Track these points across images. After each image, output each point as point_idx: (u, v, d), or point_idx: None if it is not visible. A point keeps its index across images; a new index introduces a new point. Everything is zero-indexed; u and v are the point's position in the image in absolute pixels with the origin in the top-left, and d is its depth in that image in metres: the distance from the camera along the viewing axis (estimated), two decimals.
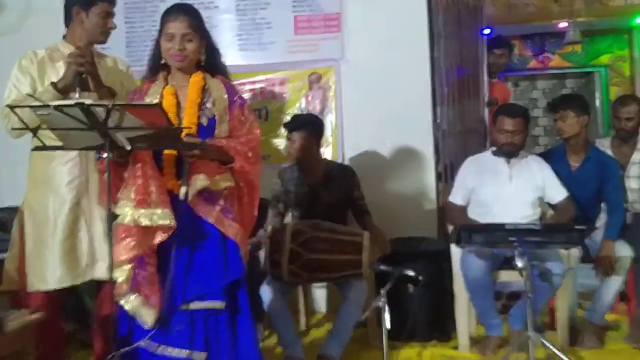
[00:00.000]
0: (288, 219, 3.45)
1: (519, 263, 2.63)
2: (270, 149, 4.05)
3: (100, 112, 1.95)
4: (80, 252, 2.52)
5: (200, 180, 2.22)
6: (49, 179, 2.54)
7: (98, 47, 2.73)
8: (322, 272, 3.02)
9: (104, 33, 2.63)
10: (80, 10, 2.59)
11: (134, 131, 2.02)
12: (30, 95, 2.33)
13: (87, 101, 1.95)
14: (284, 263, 2.93)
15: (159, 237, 2.19)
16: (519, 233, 2.70)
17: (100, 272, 2.51)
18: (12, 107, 2.03)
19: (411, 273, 3.06)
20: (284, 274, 2.95)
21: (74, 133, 2.03)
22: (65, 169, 2.53)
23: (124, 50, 4.17)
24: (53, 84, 2.46)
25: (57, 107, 1.94)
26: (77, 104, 1.93)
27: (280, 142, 4.06)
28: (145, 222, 2.15)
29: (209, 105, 2.33)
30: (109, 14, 2.62)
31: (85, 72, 2.43)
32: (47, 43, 2.79)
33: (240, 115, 2.35)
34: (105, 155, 2.03)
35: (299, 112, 4.00)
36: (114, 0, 2.67)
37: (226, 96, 2.35)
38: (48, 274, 2.49)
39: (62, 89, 2.44)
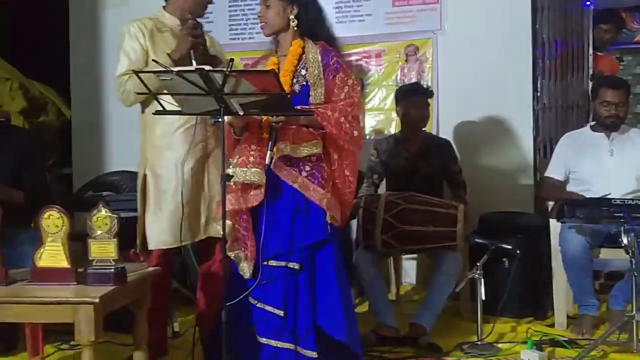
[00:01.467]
0: (381, 190, 3.50)
1: (625, 240, 2.56)
2: (363, 121, 4.10)
3: (218, 78, 2.05)
4: (199, 212, 2.66)
5: (280, 148, 2.31)
6: (171, 143, 2.65)
7: None
8: (416, 244, 3.06)
9: (204, 5, 2.71)
10: None
11: (247, 97, 2.11)
12: (135, 72, 2.41)
13: (207, 67, 2.06)
14: (377, 233, 2.98)
15: (252, 194, 2.32)
16: (626, 208, 2.62)
17: (214, 230, 2.63)
18: (137, 72, 2.17)
19: (508, 247, 3.05)
20: (377, 244, 3.01)
21: (192, 98, 2.15)
22: (186, 134, 2.63)
23: (227, 26, 4.30)
24: (168, 55, 2.58)
25: (178, 73, 2.05)
26: (197, 70, 2.04)
27: (374, 114, 4.10)
28: (239, 179, 2.29)
29: (302, 72, 2.38)
30: None
31: (201, 45, 2.54)
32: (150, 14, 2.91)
33: (335, 79, 2.37)
34: (220, 119, 2.14)
35: (394, 84, 4.02)
36: None
37: (320, 61, 2.37)
38: (170, 232, 2.64)
39: (177, 61, 2.51)
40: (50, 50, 4.84)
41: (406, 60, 4.06)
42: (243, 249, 2.34)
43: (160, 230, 2.66)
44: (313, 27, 2.44)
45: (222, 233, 2.16)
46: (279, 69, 2.40)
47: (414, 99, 3.36)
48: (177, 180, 2.62)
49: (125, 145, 4.33)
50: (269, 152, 2.31)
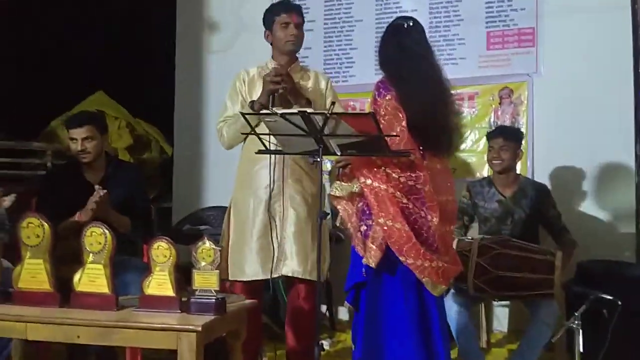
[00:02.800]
0: (472, 232, 3.45)
1: None
2: (455, 163, 4.08)
3: (319, 119, 2.14)
4: (271, 249, 2.75)
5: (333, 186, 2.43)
6: (251, 181, 2.82)
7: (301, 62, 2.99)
8: (510, 290, 2.98)
9: (288, 42, 2.83)
10: (268, 31, 2.88)
11: (346, 138, 2.19)
12: (242, 114, 2.58)
13: (309, 110, 2.16)
14: (470, 277, 2.94)
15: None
16: None
17: (288, 269, 2.74)
18: (244, 115, 2.31)
19: (609, 297, 2.91)
20: (469, 288, 2.96)
21: (293, 138, 2.26)
22: (264, 172, 2.78)
23: (322, 68, 4.46)
24: (251, 103, 2.76)
25: (282, 115, 2.17)
26: (299, 112, 2.15)
27: (466, 156, 4.08)
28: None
29: None
30: (288, 24, 2.82)
31: (281, 89, 2.67)
32: (256, 59, 3.10)
33: None
34: (319, 159, 2.23)
35: (488, 127, 4.00)
36: (295, 9, 2.88)
37: None
38: (246, 266, 2.77)
39: (258, 109, 2.70)
40: (156, 91, 5.20)
41: (500, 103, 4.04)
42: None
43: (238, 263, 2.78)
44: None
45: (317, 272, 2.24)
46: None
47: (499, 142, 3.32)
48: (254, 216, 2.76)
49: (221, 182, 4.54)
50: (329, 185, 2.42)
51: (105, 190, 2.85)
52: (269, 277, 2.76)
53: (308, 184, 2.83)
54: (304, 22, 2.88)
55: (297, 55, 2.94)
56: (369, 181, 2.29)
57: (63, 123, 5.04)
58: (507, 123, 3.97)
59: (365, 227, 2.33)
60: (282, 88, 2.68)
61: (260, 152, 2.40)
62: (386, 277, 2.33)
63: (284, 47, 2.83)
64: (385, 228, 2.26)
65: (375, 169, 2.30)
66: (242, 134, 2.60)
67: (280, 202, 2.78)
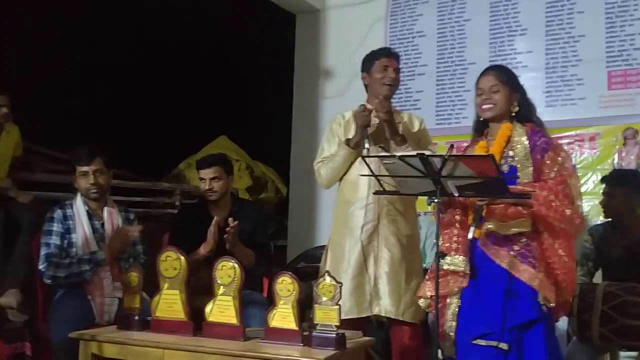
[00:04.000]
0: (597, 279, 3.30)
1: None
2: None
3: (437, 162, 2.20)
4: (365, 288, 2.82)
5: (487, 225, 2.35)
6: (347, 221, 2.92)
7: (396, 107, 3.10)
8: (638, 340, 2.82)
9: (385, 85, 2.91)
10: (365, 73, 3.00)
11: (464, 180, 2.22)
12: (362, 157, 2.69)
13: (427, 152, 2.23)
14: (595, 325, 2.82)
15: (452, 280, 2.40)
16: None
17: (381, 309, 2.78)
18: (364, 157, 2.42)
19: None
20: (594, 337, 2.84)
21: (410, 180, 2.32)
22: (361, 213, 2.87)
23: (434, 111, 4.51)
24: (346, 141, 2.86)
25: (400, 157, 2.25)
26: (417, 155, 2.21)
27: (588, 199, 3.94)
28: (445, 266, 2.38)
29: (510, 153, 2.44)
30: (387, 67, 2.92)
31: (379, 119, 2.78)
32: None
33: (544, 159, 2.39)
34: (437, 200, 2.27)
35: (611, 168, 3.85)
36: (395, 56, 2.98)
37: (527, 142, 2.41)
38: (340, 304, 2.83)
39: (354, 146, 2.83)
40: (274, 135, 5.48)
41: (624, 144, 3.88)
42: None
43: None
44: (528, 113, 2.52)
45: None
46: (487, 151, 2.48)
47: (614, 187, 3.18)
48: (349, 256, 2.85)
49: (328, 221, 4.68)
50: (472, 227, 2.38)
51: (234, 223, 3.02)
52: (362, 315, 2.82)
53: (403, 225, 2.89)
54: (400, 71, 2.99)
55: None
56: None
57: (190, 165, 5.45)
58: (632, 165, 3.80)
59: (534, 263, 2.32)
60: (383, 120, 2.78)
61: (377, 192, 2.49)
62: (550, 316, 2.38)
63: (380, 89, 2.92)
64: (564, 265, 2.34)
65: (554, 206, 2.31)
66: (361, 175, 2.70)
67: (375, 242, 2.86)
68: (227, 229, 3.00)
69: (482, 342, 2.34)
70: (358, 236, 2.86)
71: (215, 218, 3.07)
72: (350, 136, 2.93)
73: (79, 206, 3.00)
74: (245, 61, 6.16)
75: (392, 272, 2.82)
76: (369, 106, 2.91)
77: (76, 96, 5.22)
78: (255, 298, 3.02)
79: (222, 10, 5.66)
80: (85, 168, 2.98)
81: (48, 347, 2.96)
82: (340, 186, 3.00)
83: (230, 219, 3.03)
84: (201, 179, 3.28)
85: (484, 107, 2.50)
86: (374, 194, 2.56)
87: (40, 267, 2.88)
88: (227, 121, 5.77)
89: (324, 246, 4.53)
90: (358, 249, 2.86)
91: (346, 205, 2.93)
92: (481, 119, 2.55)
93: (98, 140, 3.23)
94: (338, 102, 4.79)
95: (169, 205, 5.01)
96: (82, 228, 2.95)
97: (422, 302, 2.53)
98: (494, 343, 2.32)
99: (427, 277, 2.54)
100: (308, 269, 3.92)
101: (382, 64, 2.94)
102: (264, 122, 5.95)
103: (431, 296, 2.42)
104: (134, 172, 5.04)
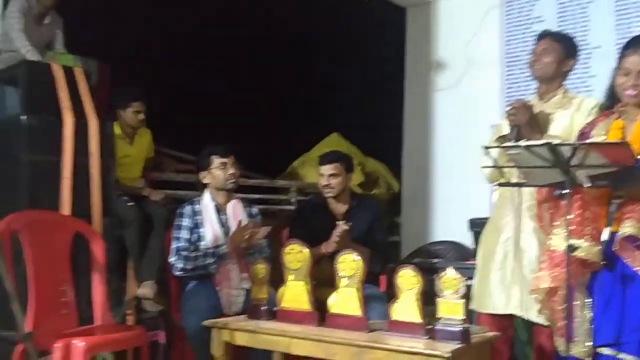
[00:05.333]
0: None
1: None
2: None
3: (565, 150, 2.11)
4: (514, 286, 2.71)
5: (624, 227, 2.16)
6: (497, 215, 2.85)
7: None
8: None
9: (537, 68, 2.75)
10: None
11: (596, 169, 2.12)
12: (485, 147, 2.58)
13: (555, 141, 2.14)
14: None
15: (586, 272, 2.21)
16: None
17: (532, 313, 2.61)
18: (487, 148, 2.36)
19: None
20: None
21: (537, 170, 2.24)
22: (509, 207, 2.76)
23: None
24: (500, 138, 2.75)
25: (527, 147, 2.18)
26: (545, 144, 2.13)
27: None
28: (579, 253, 2.17)
29: None
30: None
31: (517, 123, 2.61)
32: (482, 96, 3.06)
33: None
34: (566, 191, 2.18)
35: None
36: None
37: None
38: (490, 299, 2.78)
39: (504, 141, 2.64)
40: (384, 130, 5.48)
41: None
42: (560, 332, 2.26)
43: (483, 295, 2.78)
44: None
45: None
46: (624, 133, 2.28)
47: None
48: (498, 251, 2.77)
49: (449, 216, 4.61)
50: (608, 228, 2.23)
51: (347, 225, 3.09)
52: (509, 312, 2.74)
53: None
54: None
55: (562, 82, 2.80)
56: None
57: (303, 162, 5.58)
58: None
59: None
60: (517, 121, 2.64)
61: (501, 184, 2.43)
62: None
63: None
64: None
65: None
66: (483, 167, 2.64)
67: (522, 238, 2.74)
68: (337, 232, 3.04)
69: (609, 352, 2.18)
70: (505, 232, 2.78)
71: (340, 223, 3.12)
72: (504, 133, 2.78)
73: (207, 201, 3.18)
74: (354, 56, 6.22)
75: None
76: (529, 101, 2.75)
77: (198, 98, 5.52)
78: (373, 292, 3.05)
79: (329, 5, 5.75)
80: (224, 159, 3.19)
81: (180, 335, 3.17)
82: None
83: (341, 222, 3.08)
84: (321, 174, 3.36)
85: (630, 92, 2.25)
86: (498, 185, 2.49)
87: (171, 259, 3.09)
88: (339, 118, 5.85)
89: (440, 242, 4.50)
90: (506, 245, 2.77)
91: (500, 199, 2.85)
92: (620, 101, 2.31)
93: (220, 141, 3.40)
94: (451, 95, 4.72)
95: (285, 202, 5.16)
96: (210, 222, 3.12)
97: (537, 294, 2.33)
98: (621, 356, 2.16)
99: (542, 265, 2.33)
100: (425, 265, 3.89)
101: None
102: (374, 117, 5.97)
103: (551, 288, 2.29)
104: (252, 170, 5.24)
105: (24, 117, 3.19)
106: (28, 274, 2.59)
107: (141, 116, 3.79)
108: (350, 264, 2.41)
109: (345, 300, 2.40)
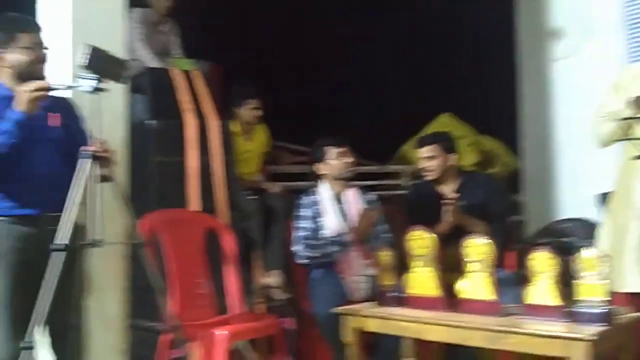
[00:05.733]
0: None
1: None
2: None
3: None
4: None
5: None
6: (627, 188, 2.64)
7: None
8: None
9: None
10: None
11: None
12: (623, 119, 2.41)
13: None
14: None
15: None
16: None
17: None
18: (624, 119, 2.21)
19: None
20: None
21: None
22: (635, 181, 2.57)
23: None
24: (634, 100, 2.54)
25: None
26: None
27: None
28: None
29: None
30: None
31: None
32: (604, 64, 2.84)
33: None
34: None
35: None
36: None
37: None
38: (625, 277, 2.58)
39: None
40: (498, 105, 5.27)
41: None
42: None
43: (616, 273, 2.60)
44: None
45: None
46: None
47: None
48: (632, 226, 2.56)
49: (574, 192, 4.36)
50: None
51: (455, 195, 3.01)
52: None
53: None
54: None
55: None
56: None
57: (413, 146, 5.50)
58: None
59: None
60: None
61: (637, 157, 2.26)
62: None
63: None
64: None
65: None
66: (614, 140, 2.47)
67: None
68: (446, 206, 2.96)
69: None
70: (637, 204, 2.59)
71: (447, 200, 3.06)
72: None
73: (324, 191, 3.23)
74: (461, 33, 6.03)
75: None
76: None
77: (308, 88, 5.59)
78: (504, 275, 2.95)
79: None
80: (340, 149, 3.24)
81: (309, 322, 3.25)
82: (627, 150, 2.64)
83: (452, 193, 3.01)
84: (418, 158, 3.32)
85: None
86: (633, 158, 2.32)
87: (295, 248, 3.18)
88: (449, 98, 5.70)
89: (567, 219, 4.27)
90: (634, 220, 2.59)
91: (627, 170, 2.63)
92: None
93: (330, 129, 3.44)
94: (569, 64, 4.45)
95: (397, 187, 5.12)
96: (329, 211, 3.17)
97: None
98: None
99: None
100: (556, 245, 3.71)
101: None
102: (486, 94, 5.76)
103: None
104: (362, 156, 5.24)
105: (150, 122, 3.41)
106: (168, 269, 2.77)
107: (257, 112, 3.91)
108: (478, 249, 2.35)
109: (476, 285, 2.35)
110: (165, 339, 2.66)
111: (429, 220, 3.05)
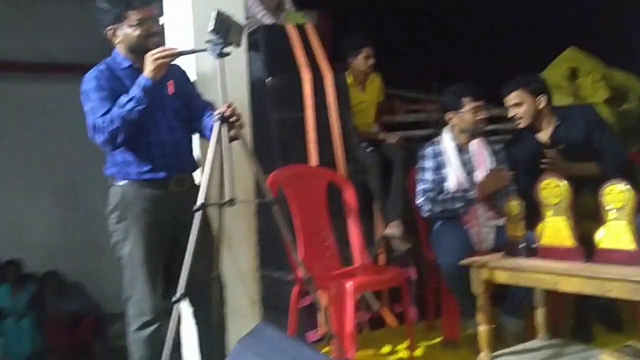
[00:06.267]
0: None
1: None
2: None
3: None
4: None
5: None
6: None
7: None
8: None
9: None
10: None
11: None
12: None
13: None
14: None
15: None
16: None
17: None
18: None
19: None
20: None
21: None
22: None
23: None
24: None
25: None
26: None
27: None
28: None
29: None
30: None
31: None
32: None
33: None
34: None
35: None
36: None
37: None
38: None
39: None
40: (628, 35, 4.82)
41: None
42: None
43: None
44: None
45: None
46: None
47: None
48: None
49: None
50: None
51: (553, 153, 2.85)
52: None
53: None
54: None
55: None
56: None
57: None
58: None
59: None
60: None
61: None
62: None
63: None
64: None
65: None
66: None
67: None
68: (545, 162, 2.81)
69: None
70: None
71: (547, 152, 2.89)
72: None
73: (448, 142, 3.12)
74: None
75: None
76: None
77: (424, 34, 5.41)
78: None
79: None
80: (476, 103, 3.05)
81: (432, 272, 3.25)
82: None
83: (548, 152, 2.85)
84: (507, 106, 3.12)
85: None
86: None
87: (418, 201, 3.12)
88: (575, 30, 5.28)
89: None
90: None
91: None
92: None
93: (447, 77, 3.30)
94: None
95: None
96: (453, 163, 3.07)
97: None
98: None
99: None
100: None
101: None
102: (614, 23, 5.28)
103: None
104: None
105: (268, 79, 3.46)
106: (294, 222, 2.85)
107: (371, 61, 3.85)
108: (617, 195, 2.21)
109: (615, 233, 2.21)
110: (296, 289, 2.77)
111: (532, 175, 2.86)
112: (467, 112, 3.06)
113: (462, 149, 3.12)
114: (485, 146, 3.12)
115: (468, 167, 3.08)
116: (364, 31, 4.02)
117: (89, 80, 2.35)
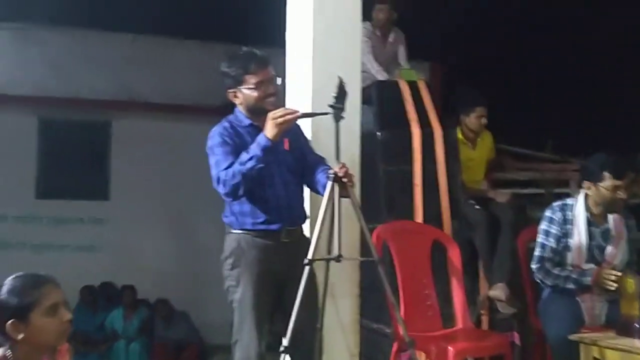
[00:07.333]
0: None
1: None
2: None
3: None
4: None
5: None
6: None
7: None
8: None
9: None
10: None
11: None
12: None
13: None
14: None
15: None
16: None
17: None
18: None
19: None
20: None
21: None
22: None
23: None
24: None
25: None
26: None
27: None
28: None
29: None
30: None
31: None
32: None
33: None
34: None
35: None
36: None
37: None
38: None
39: None
40: None
41: None
42: None
43: None
44: None
45: None
46: None
47: None
48: None
49: None
50: None
51: None
52: None
53: None
54: None
55: None
56: None
57: None
58: None
59: None
60: None
61: None
62: None
63: None
64: None
65: None
66: None
67: None
68: None
69: None
70: None
71: None
72: None
73: (580, 211, 2.94)
74: None
75: None
76: None
77: (533, 90, 5.32)
78: None
79: None
80: (619, 182, 2.86)
81: (538, 340, 3.11)
82: None
83: None
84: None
85: None
86: None
87: (533, 266, 2.97)
88: None
89: None
90: None
91: None
92: None
93: (557, 132, 3.20)
94: None
95: None
96: (578, 235, 2.91)
97: None
98: None
99: None
100: None
101: None
102: None
103: None
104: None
105: (378, 133, 3.54)
106: (398, 279, 2.87)
107: (484, 120, 3.81)
108: None
109: None
110: (396, 346, 2.76)
111: None
112: (606, 189, 2.87)
113: (593, 222, 2.94)
114: (621, 223, 2.95)
115: (596, 241, 2.92)
116: (476, 87, 4.00)
117: (214, 137, 2.52)
